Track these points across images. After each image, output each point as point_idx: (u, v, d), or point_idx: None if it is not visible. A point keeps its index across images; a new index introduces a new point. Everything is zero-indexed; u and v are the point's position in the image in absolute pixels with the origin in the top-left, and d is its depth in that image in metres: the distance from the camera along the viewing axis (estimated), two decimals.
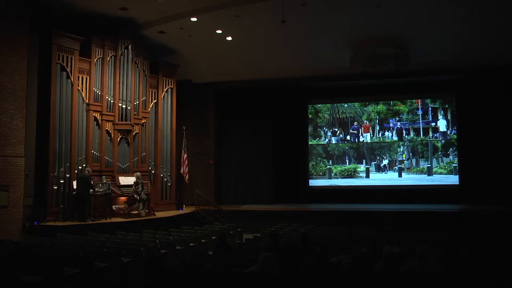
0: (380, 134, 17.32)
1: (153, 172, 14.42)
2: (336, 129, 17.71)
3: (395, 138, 17.12)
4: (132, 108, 13.47)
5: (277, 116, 17.66)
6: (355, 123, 17.54)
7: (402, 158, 17.11)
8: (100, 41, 12.97)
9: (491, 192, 15.09)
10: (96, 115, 12.81)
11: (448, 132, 16.73)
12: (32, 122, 11.47)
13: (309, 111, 17.95)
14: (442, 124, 16.84)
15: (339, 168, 17.60)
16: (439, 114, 16.88)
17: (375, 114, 17.35)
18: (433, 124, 16.91)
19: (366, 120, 17.37)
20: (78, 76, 12.35)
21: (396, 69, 14.12)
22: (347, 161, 17.57)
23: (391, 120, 17.23)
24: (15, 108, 11.02)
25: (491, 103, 15.60)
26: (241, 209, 15.58)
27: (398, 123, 17.13)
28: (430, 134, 16.89)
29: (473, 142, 15.93)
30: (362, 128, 17.39)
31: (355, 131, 17.51)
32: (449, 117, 16.79)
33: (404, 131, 17.11)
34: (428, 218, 13.36)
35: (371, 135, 17.35)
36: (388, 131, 17.22)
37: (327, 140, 17.77)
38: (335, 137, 17.72)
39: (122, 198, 12.72)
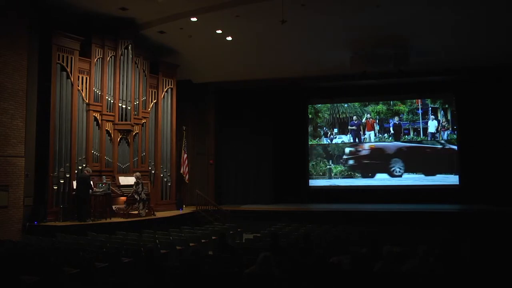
0: (380, 134, 17.31)
1: (153, 172, 14.42)
2: (328, 130, 17.71)
3: (392, 139, 17.11)
4: (132, 108, 13.46)
5: (277, 116, 17.67)
6: (354, 117, 17.50)
7: None
8: (100, 41, 12.97)
9: (491, 192, 15.10)
10: (96, 115, 12.80)
11: (437, 134, 16.74)
12: (32, 122, 11.47)
13: (309, 111, 17.95)
14: (432, 125, 16.85)
15: (339, 168, 17.59)
16: (430, 115, 16.89)
17: (375, 114, 17.35)
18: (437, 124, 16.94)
19: (370, 117, 17.34)
20: (78, 76, 12.34)
21: (396, 69, 14.12)
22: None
23: (391, 120, 17.24)
24: (15, 108, 11.01)
25: (491, 103, 15.61)
26: (241, 209, 15.57)
27: (396, 120, 17.10)
28: (437, 134, 16.89)
29: (473, 142, 15.94)
30: (365, 124, 17.36)
31: (354, 127, 17.49)
32: (449, 117, 16.79)
33: (402, 129, 17.09)
34: (428, 218, 13.36)
35: (375, 134, 17.32)
36: (387, 132, 17.22)
37: (327, 140, 17.79)
38: (327, 138, 17.72)
39: (122, 198, 12.72)
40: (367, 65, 14.02)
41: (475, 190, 15.55)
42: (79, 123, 12.34)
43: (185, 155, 15.77)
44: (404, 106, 17.21)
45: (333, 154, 17.65)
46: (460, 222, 12.55)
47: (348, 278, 4.89)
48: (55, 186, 11.56)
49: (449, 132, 16.75)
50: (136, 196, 12.41)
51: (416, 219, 13.22)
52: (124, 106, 13.26)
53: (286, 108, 17.73)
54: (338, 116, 17.76)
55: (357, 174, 17.28)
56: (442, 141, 16.72)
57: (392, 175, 16.90)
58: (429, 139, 16.83)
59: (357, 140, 17.44)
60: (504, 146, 15.31)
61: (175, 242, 8.80)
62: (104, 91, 12.95)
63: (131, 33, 13.29)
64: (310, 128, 17.93)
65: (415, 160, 16.80)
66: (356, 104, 17.62)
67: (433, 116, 16.89)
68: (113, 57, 13.20)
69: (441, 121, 16.79)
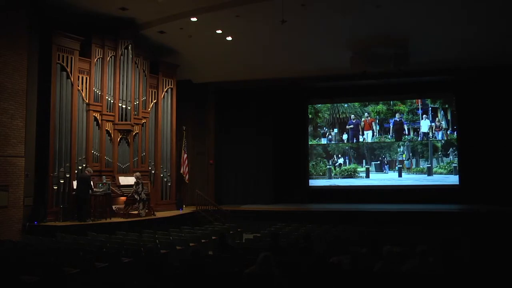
0: (380, 134, 17.31)
1: (153, 172, 14.42)
2: (327, 131, 17.71)
3: (392, 138, 17.10)
4: (132, 108, 13.46)
5: (277, 116, 17.66)
6: (352, 116, 17.49)
7: (402, 158, 17.11)
8: (100, 41, 12.97)
9: (491, 192, 15.09)
10: (96, 115, 12.80)
11: (431, 135, 16.74)
12: (32, 122, 11.47)
13: (309, 111, 17.95)
14: (424, 125, 16.84)
15: (339, 168, 17.59)
16: (424, 115, 16.89)
17: (375, 114, 17.36)
18: (433, 124, 16.92)
19: (368, 116, 17.32)
20: (78, 76, 12.35)
21: (396, 69, 14.12)
22: (347, 161, 17.57)
23: (391, 120, 17.24)
24: (15, 108, 11.01)
25: (491, 103, 15.61)
26: (241, 209, 15.56)
27: (397, 117, 17.08)
28: (430, 134, 16.89)
29: (473, 142, 15.94)
30: (363, 124, 17.34)
31: (351, 126, 17.48)
32: (449, 117, 16.79)
33: (404, 127, 17.08)
34: (428, 218, 13.35)
35: (373, 133, 17.31)
36: (387, 133, 17.21)
37: (326, 140, 17.78)
38: (325, 138, 17.72)
39: (122, 198, 12.72)
40: (367, 65, 14.02)
41: (475, 190, 15.54)
42: (79, 123, 12.34)
43: (185, 155, 15.77)
44: (404, 106, 17.20)
45: (333, 154, 17.65)
46: (460, 222, 12.54)
47: (348, 278, 4.89)
48: (55, 186, 11.56)
49: (448, 132, 16.73)
50: (136, 196, 12.41)
51: (416, 219, 13.21)
52: (124, 106, 13.26)
53: (286, 108, 17.72)
54: (338, 116, 17.75)
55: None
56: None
57: None
58: (419, 139, 16.84)
59: (355, 140, 17.45)
60: (504, 146, 15.30)
61: (175, 242, 8.81)
62: (104, 91, 12.95)
63: (131, 33, 13.29)
64: (310, 128, 17.92)
65: None
66: (356, 104, 17.62)
67: (425, 116, 16.89)
68: (113, 57, 13.20)
69: (435, 121, 16.79)
